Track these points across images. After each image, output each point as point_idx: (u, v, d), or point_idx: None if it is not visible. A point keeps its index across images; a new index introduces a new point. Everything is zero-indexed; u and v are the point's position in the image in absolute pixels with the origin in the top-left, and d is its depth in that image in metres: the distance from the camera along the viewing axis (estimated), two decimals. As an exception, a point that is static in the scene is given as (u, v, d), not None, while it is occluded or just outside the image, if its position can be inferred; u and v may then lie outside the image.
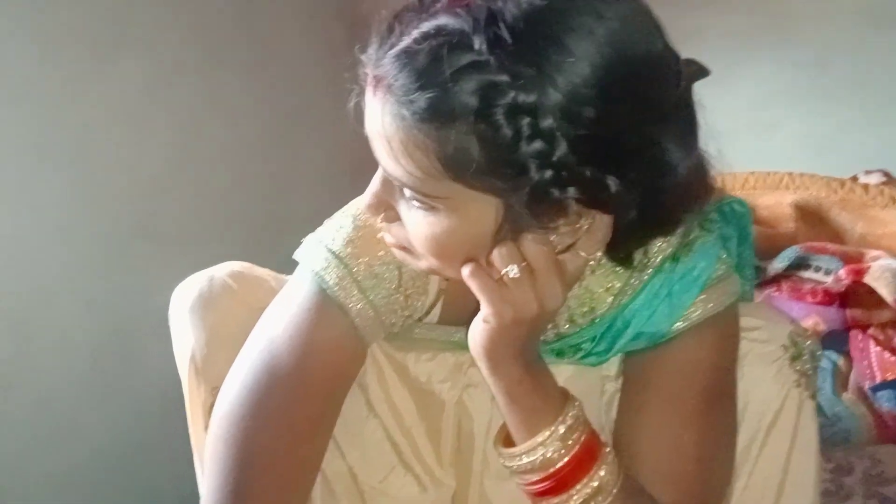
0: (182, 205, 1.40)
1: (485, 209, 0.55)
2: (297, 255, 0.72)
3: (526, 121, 0.49)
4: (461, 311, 0.73)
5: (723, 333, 0.69)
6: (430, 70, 0.50)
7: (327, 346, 0.68)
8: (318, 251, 0.70)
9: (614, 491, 0.61)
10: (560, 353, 0.73)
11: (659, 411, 0.67)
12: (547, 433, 0.60)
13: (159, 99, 1.36)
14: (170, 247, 1.37)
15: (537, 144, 0.50)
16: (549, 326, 0.73)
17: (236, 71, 1.49)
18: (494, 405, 0.72)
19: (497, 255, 0.56)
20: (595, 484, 0.60)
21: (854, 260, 1.40)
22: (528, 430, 0.61)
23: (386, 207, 0.60)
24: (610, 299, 0.69)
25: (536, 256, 0.56)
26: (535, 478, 0.61)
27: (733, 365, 0.70)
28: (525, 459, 0.61)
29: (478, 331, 0.60)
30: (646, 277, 0.67)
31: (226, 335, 0.75)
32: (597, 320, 0.70)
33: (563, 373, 0.72)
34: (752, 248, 0.76)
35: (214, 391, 0.74)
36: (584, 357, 0.72)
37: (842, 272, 1.36)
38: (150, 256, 1.34)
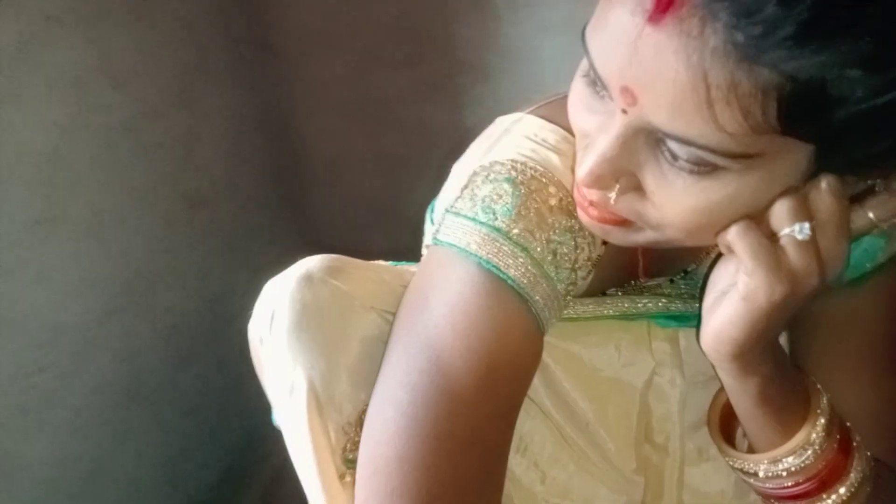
0: (84, 181, 1.12)
1: (794, 161, 0.42)
2: (444, 237, 0.55)
3: None
4: (607, 280, 0.62)
5: None
6: None
7: (513, 350, 0.53)
8: (477, 231, 0.53)
9: (872, 476, 0.54)
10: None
11: (863, 361, 0.61)
12: (810, 431, 0.52)
13: (36, 60, 1.06)
14: (82, 229, 1.10)
15: None
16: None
17: (122, 23, 1.20)
18: (685, 381, 0.63)
19: (782, 210, 0.43)
20: (860, 476, 0.53)
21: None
22: (782, 432, 0.52)
23: (621, 175, 0.46)
24: None
25: (831, 211, 0.43)
26: (792, 482, 0.53)
27: None
28: (782, 465, 0.52)
29: (728, 318, 0.46)
30: None
31: (348, 354, 0.57)
32: None
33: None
34: None
35: (345, 428, 0.58)
36: None
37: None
38: (63, 244, 1.06)
